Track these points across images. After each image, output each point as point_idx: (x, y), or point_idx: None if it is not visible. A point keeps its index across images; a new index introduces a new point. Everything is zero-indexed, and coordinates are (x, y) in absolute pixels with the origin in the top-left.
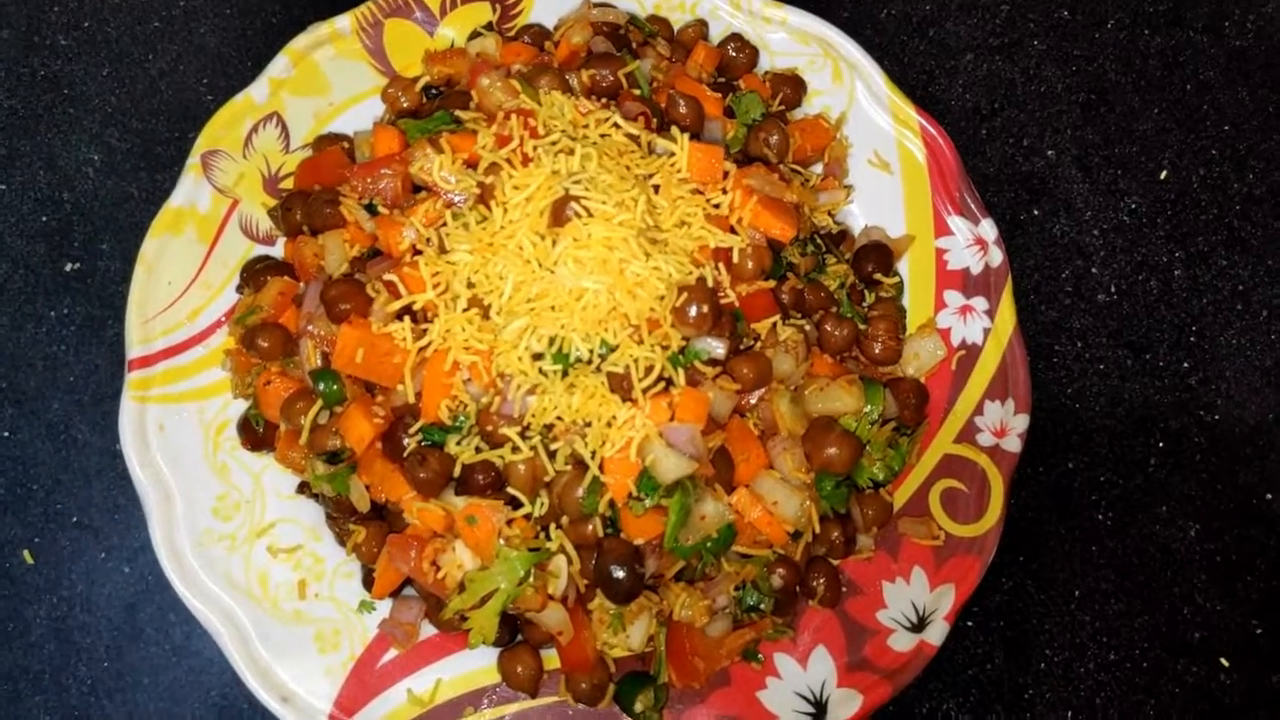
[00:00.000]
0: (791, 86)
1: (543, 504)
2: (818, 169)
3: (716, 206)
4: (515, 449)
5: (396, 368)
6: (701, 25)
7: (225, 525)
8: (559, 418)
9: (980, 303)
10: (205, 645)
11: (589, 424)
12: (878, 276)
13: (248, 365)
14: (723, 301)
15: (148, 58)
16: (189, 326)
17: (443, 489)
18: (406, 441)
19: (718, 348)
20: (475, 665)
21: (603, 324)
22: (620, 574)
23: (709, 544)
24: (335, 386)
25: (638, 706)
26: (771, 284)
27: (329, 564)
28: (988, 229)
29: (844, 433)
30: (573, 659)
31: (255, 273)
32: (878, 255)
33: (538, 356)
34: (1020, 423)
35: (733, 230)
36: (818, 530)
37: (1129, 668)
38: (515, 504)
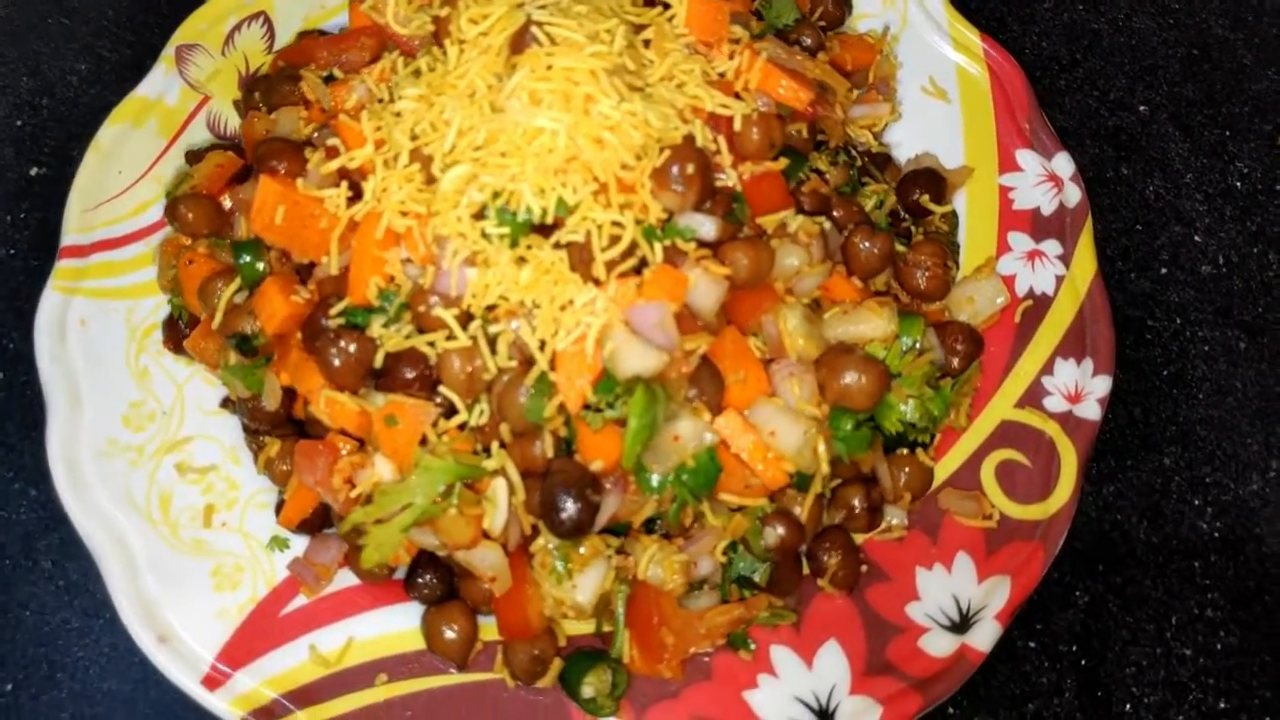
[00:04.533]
0: (834, 1)
1: (482, 411)
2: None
3: (721, 75)
4: (450, 336)
5: (323, 234)
6: None
7: (134, 436)
8: (504, 297)
9: (1052, 247)
10: (102, 586)
11: (538, 306)
12: (926, 203)
13: (176, 250)
14: (720, 184)
15: None
16: (133, 220)
17: (360, 380)
18: (326, 324)
19: (707, 225)
20: (397, 626)
21: (560, 175)
22: (566, 500)
23: (685, 476)
24: (258, 263)
25: (586, 690)
26: (783, 164)
27: (243, 491)
28: (1063, 164)
29: (868, 358)
30: (511, 621)
31: (198, 152)
32: (928, 180)
33: (480, 217)
34: (1100, 386)
35: (737, 98)
36: (825, 471)
37: None
38: (451, 412)
